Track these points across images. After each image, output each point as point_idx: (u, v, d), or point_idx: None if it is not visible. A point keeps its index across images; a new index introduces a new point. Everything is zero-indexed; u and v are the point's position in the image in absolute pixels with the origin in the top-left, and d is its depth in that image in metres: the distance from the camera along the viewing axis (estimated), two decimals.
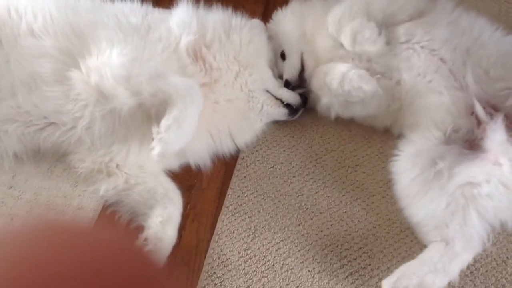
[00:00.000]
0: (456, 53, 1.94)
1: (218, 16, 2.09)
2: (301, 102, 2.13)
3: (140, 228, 1.80)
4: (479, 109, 1.84)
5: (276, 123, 2.17)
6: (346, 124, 2.13)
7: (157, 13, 2.08)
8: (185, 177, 2.06)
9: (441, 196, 1.74)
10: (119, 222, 1.87)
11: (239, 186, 2.01)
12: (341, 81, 1.94)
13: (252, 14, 2.32)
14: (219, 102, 2.03)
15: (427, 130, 1.88)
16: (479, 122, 1.85)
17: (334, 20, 1.99)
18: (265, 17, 2.37)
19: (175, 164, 2.06)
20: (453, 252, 1.69)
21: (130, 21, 2.00)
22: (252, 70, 2.05)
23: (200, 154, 2.04)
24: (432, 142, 1.86)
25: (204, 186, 2.05)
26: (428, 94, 1.93)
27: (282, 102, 2.10)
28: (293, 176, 2.02)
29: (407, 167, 1.83)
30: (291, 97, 2.12)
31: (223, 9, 2.13)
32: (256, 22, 2.18)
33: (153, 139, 1.76)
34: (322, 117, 2.13)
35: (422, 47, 1.97)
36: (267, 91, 2.09)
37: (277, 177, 2.02)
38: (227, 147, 2.08)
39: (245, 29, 2.09)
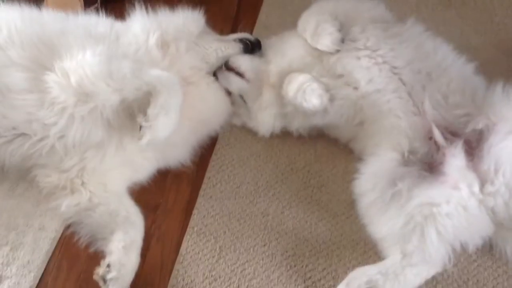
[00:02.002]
0: (417, 76, 1.98)
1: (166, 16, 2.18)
2: (256, 40, 2.23)
3: (101, 254, 1.78)
4: (438, 135, 1.88)
5: (243, 142, 2.17)
6: (311, 144, 2.15)
7: (120, 23, 2.14)
8: (151, 197, 2.05)
9: (399, 215, 1.77)
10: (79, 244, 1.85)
11: (205, 206, 2.01)
12: (296, 92, 1.99)
13: (221, 33, 2.35)
14: (188, 79, 2.08)
15: (385, 152, 1.91)
16: (438, 147, 1.89)
17: (304, 17, 2.12)
18: None
19: (143, 175, 2.04)
20: (408, 262, 1.73)
21: (98, 30, 2.05)
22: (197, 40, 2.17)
23: (180, 148, 2.06)
24: (391, 163, 1.88)
25: (169, 206, 2.04)
26: (387, 115, 1.97)
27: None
28: (259, 196, 2.02)
29: (368, 187, 1.86)
30: (240, 35, 2.26)
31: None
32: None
33: (140, 128, 1.80)
34: (288, 137, 2.15)
35: (384, 62, 2.00)
36: (215, 40, 2.21)
37: (243, 197, 2.02)
38: (208, 125, 2.13)
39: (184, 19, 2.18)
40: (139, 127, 1.81)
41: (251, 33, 2.49)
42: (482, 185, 1.76)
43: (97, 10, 2.59)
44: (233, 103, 2.18)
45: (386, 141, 1.94)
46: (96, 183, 1.95)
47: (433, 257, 1.74)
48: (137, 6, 2.18)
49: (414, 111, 1.95)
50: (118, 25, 2.13)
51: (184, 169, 2.09)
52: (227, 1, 2.71)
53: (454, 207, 1.74)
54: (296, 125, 2.12)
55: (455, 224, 1.73)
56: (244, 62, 2.16)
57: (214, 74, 2.16)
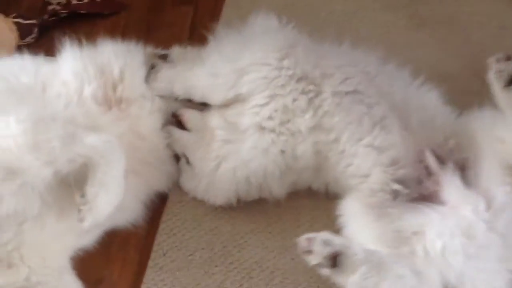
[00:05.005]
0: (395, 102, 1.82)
1: (108, 48, 1.95)
2: None
3: None
4: (430, 158, 1.72)
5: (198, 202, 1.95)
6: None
7: (48, 66, 1.90)
8: (94, 268, 1.82)
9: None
10: None
11: (154, 280, 1.78)
12: None
13: None
14: (143, 135, 1.89)
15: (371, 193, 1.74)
16: (429, 173, 1.72)
17: None
18: None
19: (88, 240, 1.82)
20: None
21: (21, 81, 1.83)
22: None
23: (129, 209, 1.84)
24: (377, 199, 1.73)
25: (115, 279, 1.82)
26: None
27: None
28: (215, 266, 1.80)
29: (354, 212, 1.72)
30: None
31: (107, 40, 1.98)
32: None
33: (79, 210, 1.61)
34: None
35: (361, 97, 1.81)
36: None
37: (197, 267, 1.80)
38: (159, 177, 1.92)
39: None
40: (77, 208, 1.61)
41: None
42: (488, 203, 1.60)
43: (35, 40, 2.36)
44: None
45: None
46: (35, 257, 1.74)
47: None
48: (67, 39, 1.92)
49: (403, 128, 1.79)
50: (45, 70, 1.88)
51: (132, 232, 1.87)
52: (178, 26, 2.47)
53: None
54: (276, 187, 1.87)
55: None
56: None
57: None
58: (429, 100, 1.89)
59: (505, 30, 2.33)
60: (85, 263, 1.82)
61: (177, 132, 1.91)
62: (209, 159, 1.85)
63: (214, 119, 1.88)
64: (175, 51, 2.02)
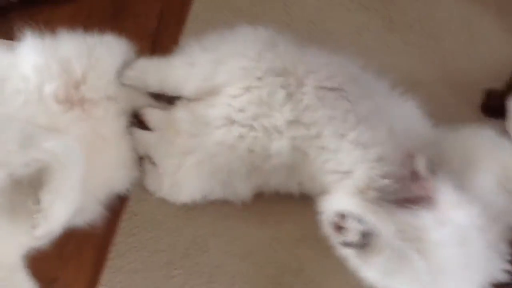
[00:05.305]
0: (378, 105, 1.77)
1: (72, 42, 1.83)
2: None
3: None
4: (421, 161, 1.65)
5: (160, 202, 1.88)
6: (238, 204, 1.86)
7: (7, 58, 1.78)
8: (49, 268, 1.74)
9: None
10: None
11: (111, 281, 1.72)
12: None
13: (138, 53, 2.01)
14: (106, 137, 1.79)
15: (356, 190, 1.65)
16: (414, 177, 1.65)
17: None
18: None
19: (45, 239, 1.72)
20: None
21: None
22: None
23: (87, 209, 1.75)
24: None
25: (70, 279, 1.75)
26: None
27: None
28: (175, 269, 1.75)
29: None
30: None
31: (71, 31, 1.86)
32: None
33: (33, 217, 1.51)
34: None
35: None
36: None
37: (156, 269, 1.75)
38: (120, 179, 1.83)
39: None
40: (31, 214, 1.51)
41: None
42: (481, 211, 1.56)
43: None
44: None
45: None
46: None
47: None
48: (28, 26, 1.80)
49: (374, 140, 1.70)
50: (4, 62, 1.76)
51: (89, 231, 1.79)
52: (145, 15, 2.36)
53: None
54: (241, 188, 1.80)
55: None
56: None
57: None
58: (409, 109, 1.84)
59: (477, 38, 2.32)
60: (39, 262, 1.73)
61: (138, 132, 1.83)
62: (172, 155, 1.78)
63: (180, 113, 1.80)
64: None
